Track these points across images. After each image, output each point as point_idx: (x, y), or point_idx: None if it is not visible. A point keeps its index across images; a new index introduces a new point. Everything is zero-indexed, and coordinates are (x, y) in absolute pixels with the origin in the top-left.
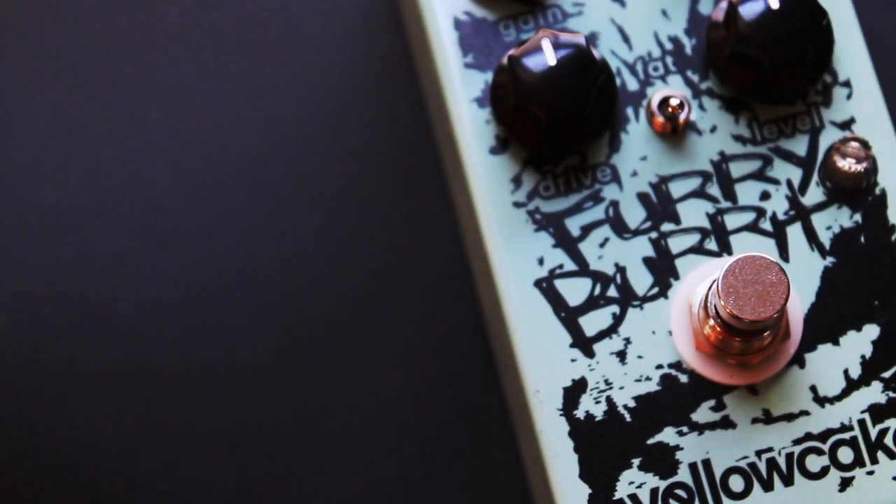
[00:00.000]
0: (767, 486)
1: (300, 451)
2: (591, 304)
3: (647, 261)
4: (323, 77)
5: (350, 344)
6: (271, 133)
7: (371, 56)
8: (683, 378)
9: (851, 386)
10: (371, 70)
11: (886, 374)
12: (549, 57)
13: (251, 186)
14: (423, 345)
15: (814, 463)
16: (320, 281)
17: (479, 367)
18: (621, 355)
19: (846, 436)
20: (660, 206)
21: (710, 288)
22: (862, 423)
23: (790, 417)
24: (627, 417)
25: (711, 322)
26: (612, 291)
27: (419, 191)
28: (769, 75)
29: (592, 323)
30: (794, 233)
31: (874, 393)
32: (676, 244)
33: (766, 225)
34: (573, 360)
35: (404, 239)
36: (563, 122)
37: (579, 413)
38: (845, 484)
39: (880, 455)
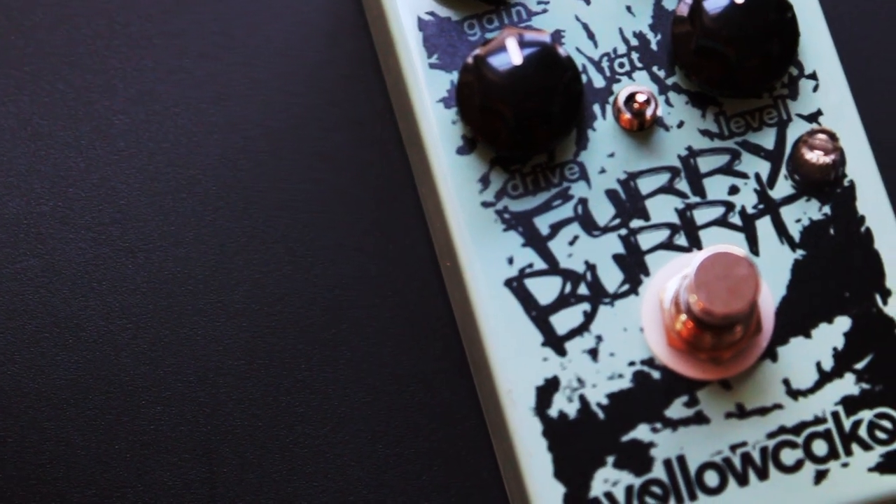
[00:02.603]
0: (742, 481)
1: (272, 457)
2: (562, 302)
3: (617, 258)
4: (289, 81)
5: (321, 348)
6: (237, 138)
7: (337, 58)
8: (656, 374)
9: (824, 378)
10: (337, 73)
11: (859, 366)
12: (514, 56)
13: (218, 192)
14: (395, 347)
15: (788, 456)
16: (290, 285)
17: (451, 368)
18: (593, 353)
19: (820, 428)
20: (629, 203)
21: (680, 283)
22: (836, 415)
23: (764, 411)
24: (601, 415)
25: (683, 317)
26: (582, 289)
27: (388, 193)
28: (735, 69)
29: (564, 321)
30: (764, 226)
31: (847, 385)
32: (646, 240)
33: (736, 219)
34: (545, 359)
35: (374, 241)
36: (529, 121)
37: (552, 412)
38: (820, 476)
39: (854, 447)
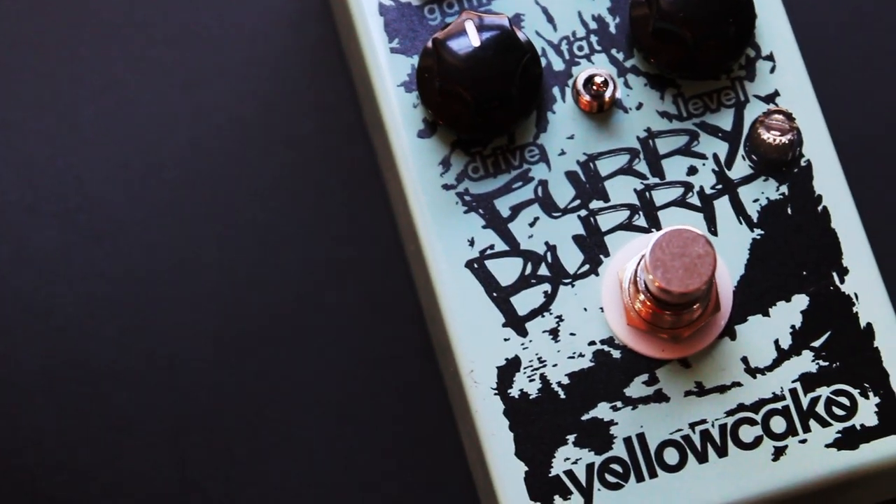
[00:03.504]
0: (702, 458)
1: (242, 441)
2: (523, 283)
3: (577, 239)
4: (254, 68)
5: (289, 332)
6: (204, 125)
7: (302, 45)
8: (616, 354)
9: (782, 356)
10: (302, 59)
11: (816, 344)
12: (473, 39)
13: (185, 179)
14: (362, 331)
15: (747, 433)
16: (258, 270)
17: (417, 350)
18: (554, 333)
19: (778, 405)
20: (588, 184)
21: (638, 263)
22: (793, 392)
23: (723, 389)
24: (561, 394)
25: (642, 297)
26: (543, 270)
27: (354, 178)
28: (692, 51)
29: (524, 302)
30: (722, 206)
31: (805, 362)
32: (606, 221)
33: (694, 199)
34: (506, 340)
35: (340, 226)
36: (489, 104)
37: (514, 392)
38: (779, 453)
39: (812, 423)
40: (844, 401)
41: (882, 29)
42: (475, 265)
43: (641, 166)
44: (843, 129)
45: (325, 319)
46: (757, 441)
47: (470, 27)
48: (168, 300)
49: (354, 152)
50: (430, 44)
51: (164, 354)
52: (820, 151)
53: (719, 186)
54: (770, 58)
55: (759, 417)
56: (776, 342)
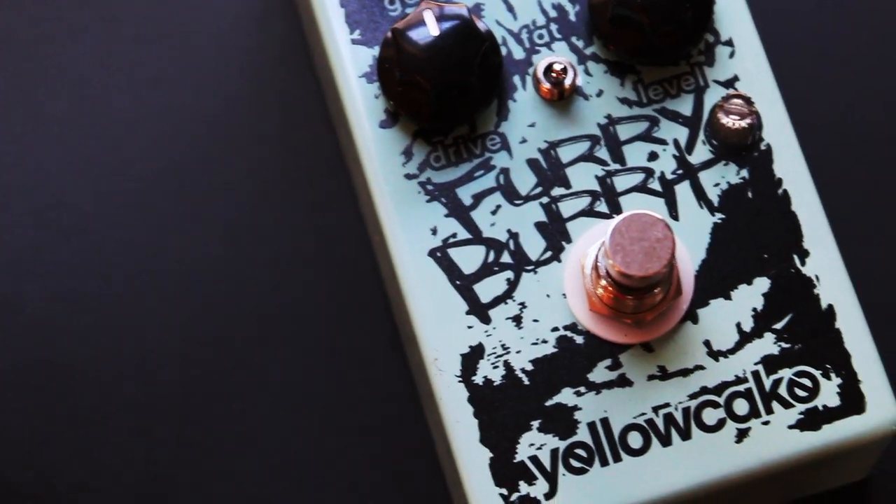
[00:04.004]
0: (665, 441)
1: (211, 434)
2: (486, 270)
3: (539, 226)
4: (221, 64)
5: (258, 326)
6: (172, 122)
7: (268, 40)
8: (579, 339)
9: (744, 339)
10: (268, 54)
11: (778, 326)
12: (432, 28)
13: (153, 176)
14: (331, 323)
15: (710, 416)
16: (226, 265)
17: (384, 342)
18: (517, 320)
19: (741, 388)
20: (550, 172)
21: (599, 249)
22: (756, 374)
23: (685, 373)
24: (525, 381)
25: (603, 282)
26: (505, 257)
27: (320, 172)
28: (651, 37)
29: (487, 289)
30: (683, 191)
31: (767, 344)
32: (567, 208)
33: (655, 185)
34: (470, 327)
35: (307, 220)
36: (449, 93)
37: (478, 379)
38: (742, 435)
39: (775, 405)
40: (806, 382)
41: (841, 12)
42: (438, 254)
43: (602, 153)
44: (803, 112)
45: (293, 313)
46: (720, 424)
47: (429, 17)
48: (137, 296)
49: (321, 146)
50: (389, 34)
51: (133, 350)
52: (780, 135)
53: (680, 171)
54: (729, 43)
55: (721, 400)
56: (738, 325)
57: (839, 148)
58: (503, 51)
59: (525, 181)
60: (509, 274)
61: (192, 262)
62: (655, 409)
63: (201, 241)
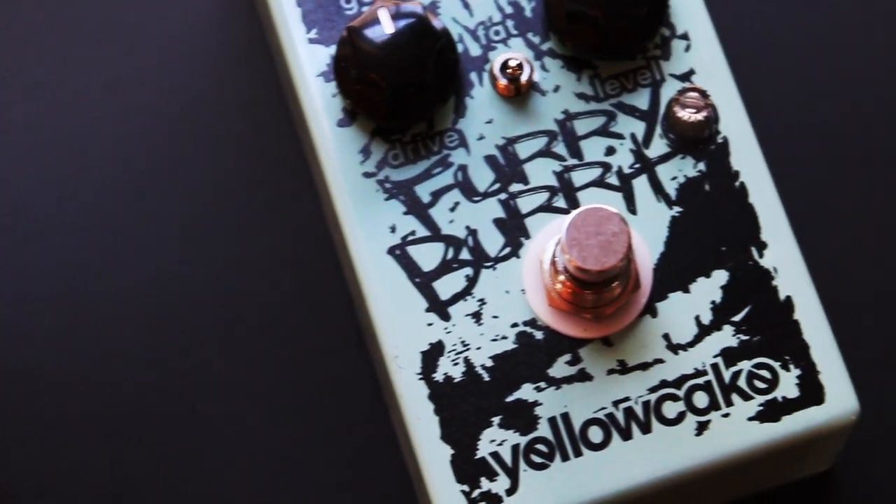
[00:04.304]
0: (626, 435)
1: (176, 436)
2: (445, 267)
3: (497, 222)
4: (180, 65)
5: (221, 327)
6: (133, 124)
7: (227, 41)
8: (538, 335)
9: (703, 331)
10: (228, 55)
11: (736, 318)
12: (386, 26)
13: (112, 178)
14: (293, 323)
15: (670, 409)
16: (187, 267)
17: (349, 340)
18: (477, 316)
19: (700, 380)
20: (507, 168)
21: (557, 245)
22: (715, 366)
23: (645, 366)
24: (486, 377)
25: (561, 278)
26: (464, 254)
27: (281, 172)
28: (606, 32)
29: (447, 286)
30: (641, 185)
31: (726, 337)
32: (525, 204)
33: (613, 179)
34: (430, 325)
35: (269, 220)
36: (405, 91)
37: (438, 376)
38: (702, 428)
39: (734, 397)
40: (766, 374)
41: (797, 3)
42: (397, 251)
43: (560, 148)
44: (759, 104)
45: (257, 313)
46: (680, 417)
47: (383, 15)
48: (100, 299)
49: (283, 146)
50: (345, 33)
51: (95, 354)
52: (736, 127)
53: (637, 166)
54: (685, 36)
55: (681, 393)
56: (697, 318)
57: (796, 140)
58: (460, 48)
59: (483, 177)
60: (468, 271)
61: (155, 263)
62: (615, 404)
63: (164, 242)
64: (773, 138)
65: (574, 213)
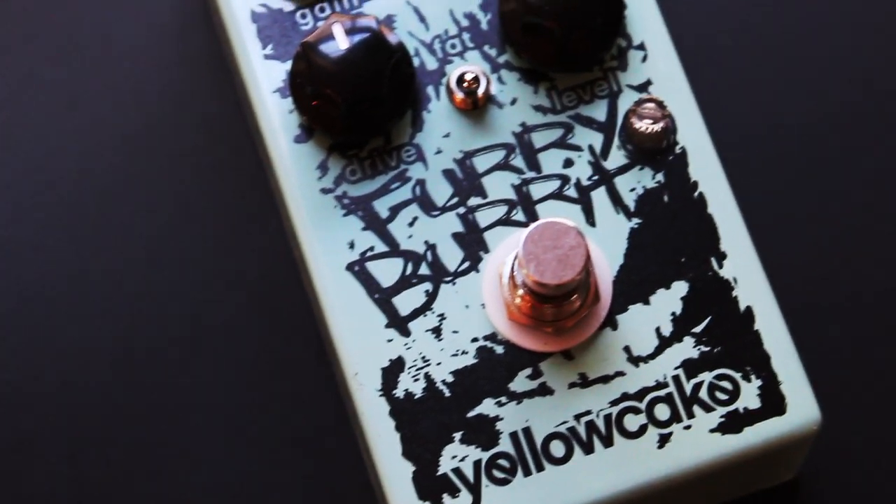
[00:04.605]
0: (588, 449)
1: (138, 457)
2: (404, 283)
3: (456, 236)
4: (139, 82)
5: (183, 345)
6: (91, 142)
7: (186, 57)
8: (499, 349)
9: (664, 343)
10: (187, 71)
11: (697, 329)
12: (341, 42)
13: (73, 197)
14: (258, 339)
15: (632, 422)
16: (150, 285)
17: (312, 357)
18: (437, 331)
19: (662, 393)
20: (465, 182)
21: (514, 259)
22: (676, 378)
23: (606, 379)
24: (446, 392)
25: (520, 292)
26: (423, 269)
27: (242, 187)
28: (561, 44)
29: (406, 302)
30: (599, 197)
31: (686, 348)
32: (484, 218)
33: (572, 192)
34: (389, 341)
35: (230, 237)
36: (360, 106)
37: (398, 392)
38: (664, 440)
39: (696, 409)
40: (727, 385)
41: (753, 12)
42: (356, 268)
43: (518, 161)
44: (717, 114)
45: (220, 332)
46: (642, 429)
47: (338, 30)
48: (60, 318)
49: (243, 161)
50: (300, 48)
51: (57, 373)
52: (694, 138)
53: (596, 177)
54: (641, 47)
55: (643, 406)
56: (657, 330)
57: (754, 149)
58: (416, 61)
59: (441, 192)
60: (428, 286)
61: (116, 282)
62: (577, 417)
63: (123, 261)
64: (730, 146)
65: (531, 227)
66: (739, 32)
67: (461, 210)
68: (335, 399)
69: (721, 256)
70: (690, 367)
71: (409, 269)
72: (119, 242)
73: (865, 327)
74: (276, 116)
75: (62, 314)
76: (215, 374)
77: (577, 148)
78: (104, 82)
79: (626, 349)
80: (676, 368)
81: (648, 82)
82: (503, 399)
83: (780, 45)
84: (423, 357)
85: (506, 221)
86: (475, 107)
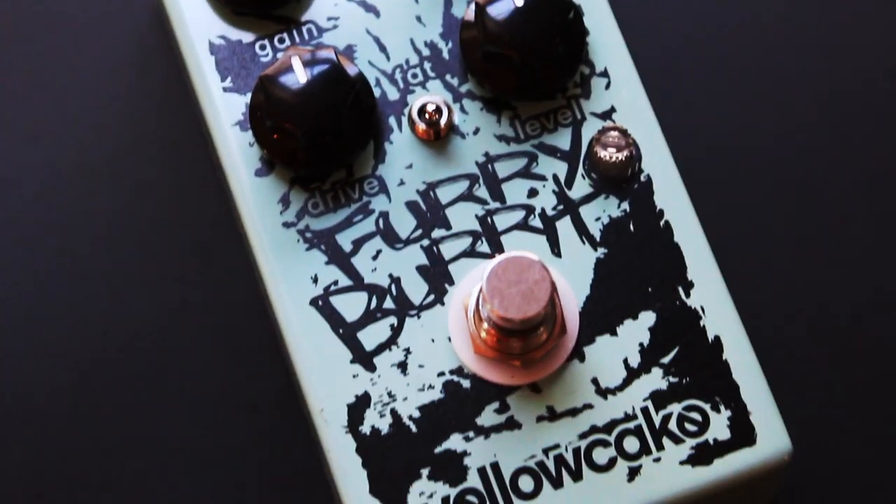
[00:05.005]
0: (557, 484)
1: (104, 494)
2: (369, 317)
3: (421, 269)
4: (100, 115)
5: (147, 381)
6: (52, 176)
7: (147, 89)
8: (466, 383)
9: (632, 374)
10: (148, 103)
11: (665, 360)
12: (299, 74)
13: (34, 231)
14: (222, 375)
15: (601, 455)
16: (112, 320)
17: (279, 392)
18: (402, 366)
19: (631, 425)
20: (429, 214)
21: (479, 293)
22: (645, 410)
23: (574, 412)
24: (413, 428)
25: (486, 325)
26: (388, 303)
27: (206, 220)
28: (523, 72)
29: (371, 336)
30: (564, 227)
31: (655, 379)
32: (449, 249)
33: (536, 222)
34: (355, 376)
35: (195, 270)
36: (320, 139)
37: (365, 429)
38: (633, 473)
39: (665, 441)
40: (696, 416)
41: (718, 38)
42: (320, 302)
43: (482, 191)
44: (682, 141)
45: (183, 367)
46: (611, 463)
47: (296, 63)
48: (21, 355)
49: (207, 193)
50: (258, 81)
51: (19, 411)
52: (659, 165)
53: (560, 207)
54: (605, 74)
55: (612, 438)
56: (625, 361)
57: (720, 176)
58: (377, 92)
59: (405, 224)
60: (392, 320)
61: (77, 318)
62: (546, 451)
63: (85, 296)
64: (695, 174)
65: (494, 261)
66: (702, 57)
67: (425, 242)
68: (304, 431)
69: (688, 285)
70: (659, 398)
71: (374, 303)
72: (79, 277)
73: (835, 354)
74: (236, 150)
75: (21, 352)
76: (179, 409)
77: (542, 177)
78: (64, 116)
79: (594, 381)
80: (645, 400)
81: (612, 109)
82: (471, 434)
83: (745, 70)
84: (390, 392)
85: (471, 253)
86: (438, 137)
